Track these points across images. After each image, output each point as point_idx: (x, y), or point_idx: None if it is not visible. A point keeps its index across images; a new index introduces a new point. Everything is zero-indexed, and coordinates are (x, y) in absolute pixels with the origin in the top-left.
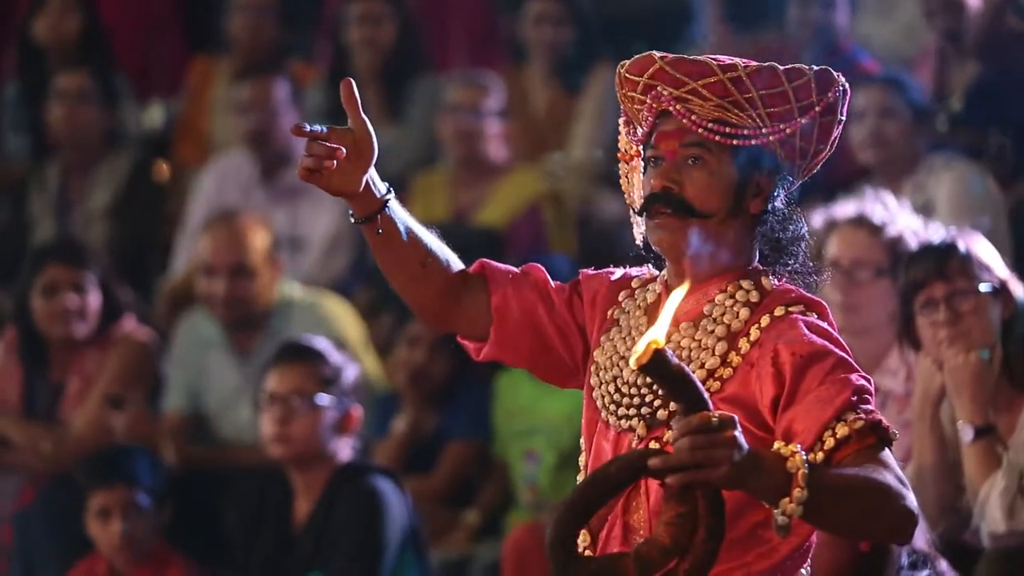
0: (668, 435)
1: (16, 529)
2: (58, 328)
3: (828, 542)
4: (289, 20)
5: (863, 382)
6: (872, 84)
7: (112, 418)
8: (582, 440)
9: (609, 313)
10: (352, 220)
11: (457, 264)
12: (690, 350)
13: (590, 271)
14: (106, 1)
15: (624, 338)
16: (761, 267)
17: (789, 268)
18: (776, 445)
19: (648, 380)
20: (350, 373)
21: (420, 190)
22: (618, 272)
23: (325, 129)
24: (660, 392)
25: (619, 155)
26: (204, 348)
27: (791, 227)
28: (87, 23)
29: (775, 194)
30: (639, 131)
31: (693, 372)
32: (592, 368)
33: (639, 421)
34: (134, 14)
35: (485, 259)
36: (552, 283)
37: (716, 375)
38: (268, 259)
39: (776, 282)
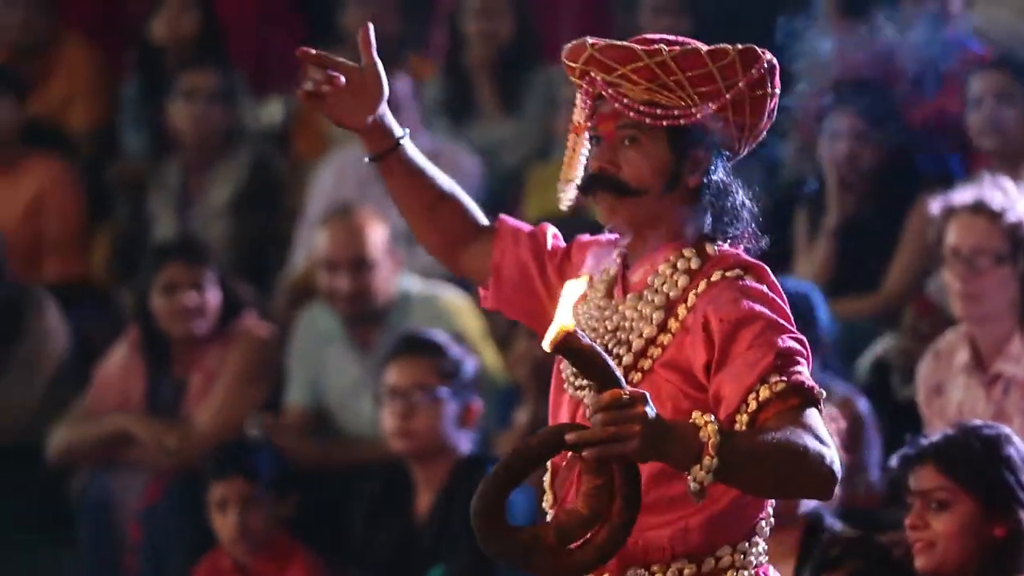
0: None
1: (143, 525)
2: (178, 326)
3: (957, 532)
4: (404, 12)
5: (791, 343)
6: (987, 70)
7: (250, 429)
8: (548, 405)
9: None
10: (366, 159)
11: (477, 216)
12: (631, 320)
13: (586, 237)
14: None
15: (585, 310)
16: (709, 236)
17: (731, 236)
18: (693, 415)
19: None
20: (470, 366)
21: (536, 184)
22: (604, 238)
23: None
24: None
25: (571, 127)
26: (324, 342)
27: (730, 198)
28: (205, 21)
29: (712, 168)
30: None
31: (633, 341)
32: None
33: (587, 390)
34: (250, 10)
35: (505, 215)
36: (552, 246)
37: (656, 342)
38: (387, 253)
39: (719, 249)
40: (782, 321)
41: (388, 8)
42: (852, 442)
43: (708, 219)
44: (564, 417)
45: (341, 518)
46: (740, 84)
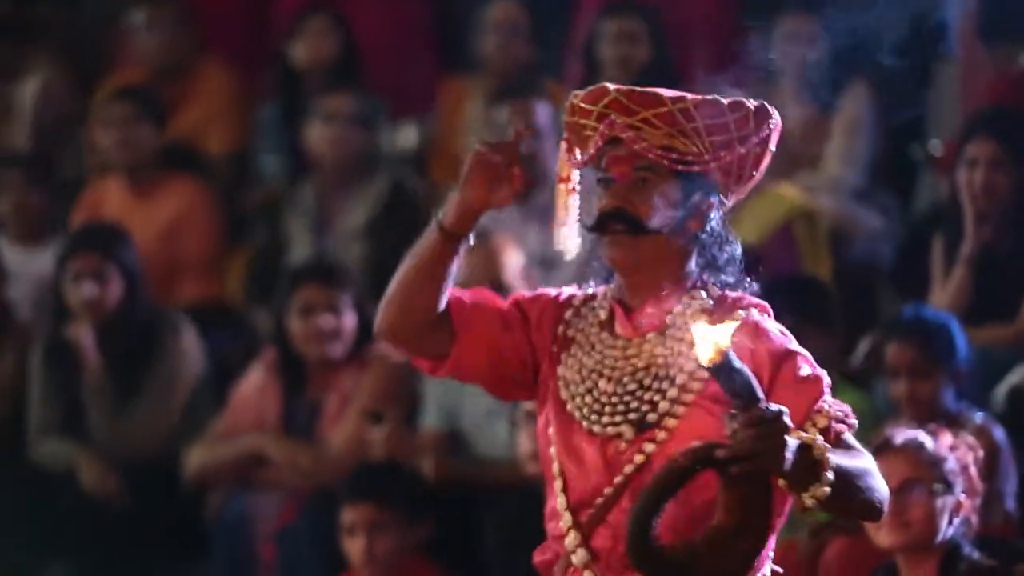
0: (727, 428)
1: (278, 546)
2: (314, 349)
3: None
4: (539, 39)
5: (827, 377)
6: None
7: (370, 434)
8: (552, 450)
9: (559, 332)
10: (442, 226)
11: None
12: (665, 357)
13: (525, 293)
14: (361, 23)
15: (588, 352)
16: (704, 281)
17: (726, 282)
18: (799, 434)
19: (631, 388)
20: None
21: None
22: (552, 292)
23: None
24: (645, 398)
25: (558, 177)
26: None
27: (727, 247)
28: (344, 45)
29: (711, 216)
30: (581, 155)
31: (676, 376)
32: (559, 384)
33: (627, 426)
34: (387, 35)
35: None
36: (500, 304)
37: (696, 376)
38: (522, 278)
39: (720, 292)
40: (810, 355)
41: (523, 35)
42: (988, 471)
43: (698, 265)
44: (593, 453)
45: (475, 540)
46: (752, 138)
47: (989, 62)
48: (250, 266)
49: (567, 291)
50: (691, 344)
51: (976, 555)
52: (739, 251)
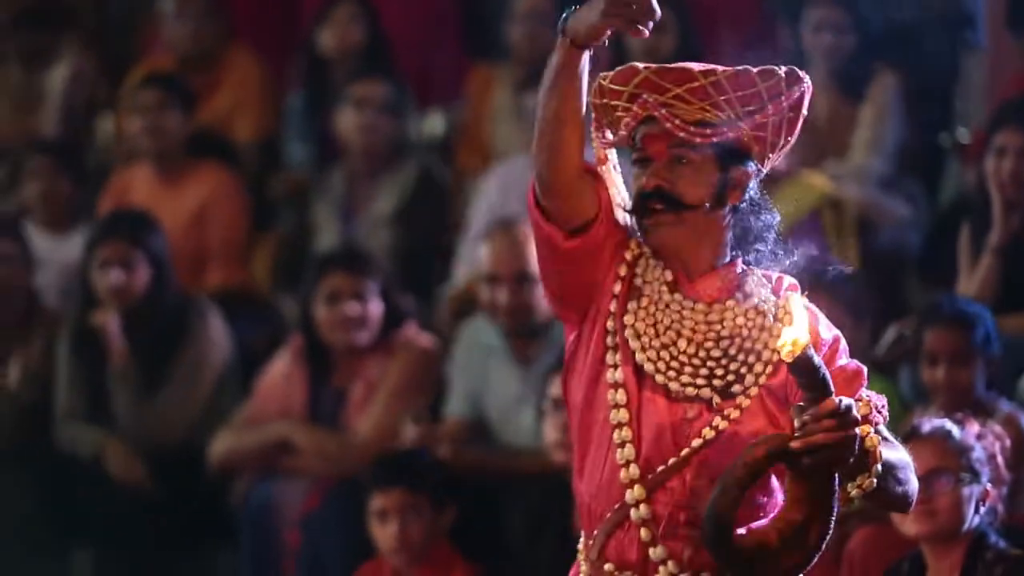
0: (795, 419)
1: (303, 533)
2: (340, 336)
3: None
4: None
5: (863, 367)
6: None
7: (405, 430)
8: (617, 395)
9: (623, 273)
10: (568, 37)
11: None
12: (750, 330)
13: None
14: (387, 11)
15: (663, 309)
16: (739, 254)
17: (761, 253)
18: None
19: (715, 355)
20: None
21: None
22: (618, 222)
23: None
24: (731, 368)
25: (596, 160)
26: (486, 355)
27: (764, 215)
28: (371, 33)
29: (749, 185)
30: (611, 136)
31: (763, 352)
32: (627, 332)
33: (711, 391)
34: (415, 23)
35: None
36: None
37: (772, 360)
38: None
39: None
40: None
41: (550, 23)
42: (1016, 460)
43: (735, 234)
44: (662, 410)
45: (501, 529)
46: (784, 104)
47: (1017, 52)
48: (277, 253)
49: (629, 227)
50: (773, 323)
51: (1002, 544)
52: (776, 219)
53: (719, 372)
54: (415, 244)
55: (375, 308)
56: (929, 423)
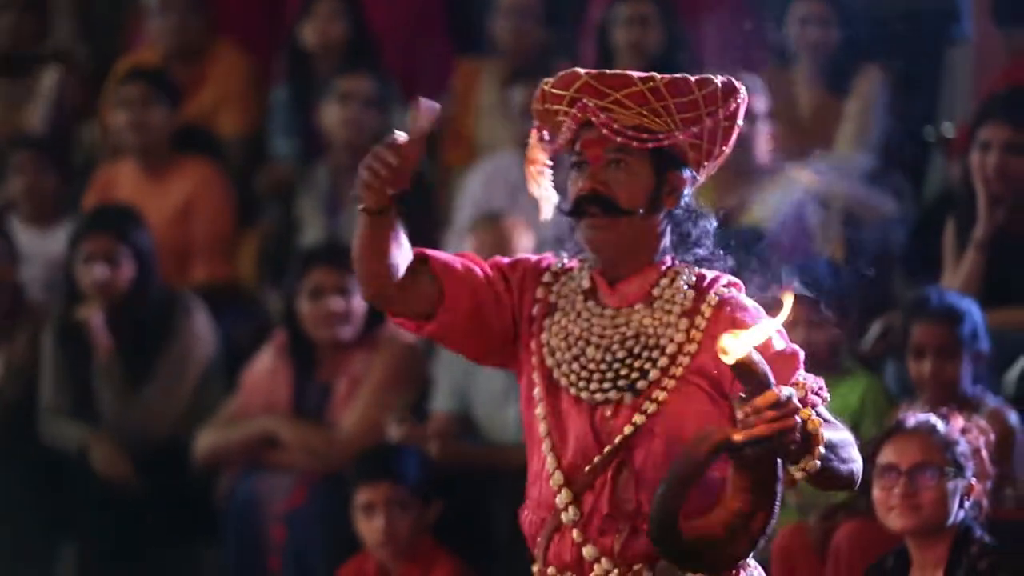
0: (736, 411)
1: (288, 527)
2: (324, 331)
3: None
4: (552, 22)
5: (802, 351)
6: None
7: (390, 431)
8: (538, 412)
9: (540, 295)
10: (362, 208)
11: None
12: (654, 327)
13: (505, 258)
14: (372, 5)
15: (574, 320)
16: (678, 256)
17: (698, 257)
18: None
19: (620, 356)
20: None
21: None
22: (532, 257)
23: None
24: (635, 366)
25: (527, 161)
26: None
27: (700, 221)
28: (354, 28)
29: (684, 192)
30: (553, 139)
31: (667, 346)
32: (544, 350)
33: (616, 392)
34: (400, 18)
35: (422, 248)
36: (483, 266)
37: (684, 350)
38: None
39: (696, 268)
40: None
41: (536, 18)
42: (1001, 454)
43: (672, 239)
44: (581, 419)
45: (486, 523)
46: (720, 113)
47: (1002, 45)
48: (262, 248)
49: (546, 256)
50: (678, 316)
51: (987, 538)
52: (712, 225)
53: (623, 372)
54: None
55: (359, 303)
56: (914, 417)
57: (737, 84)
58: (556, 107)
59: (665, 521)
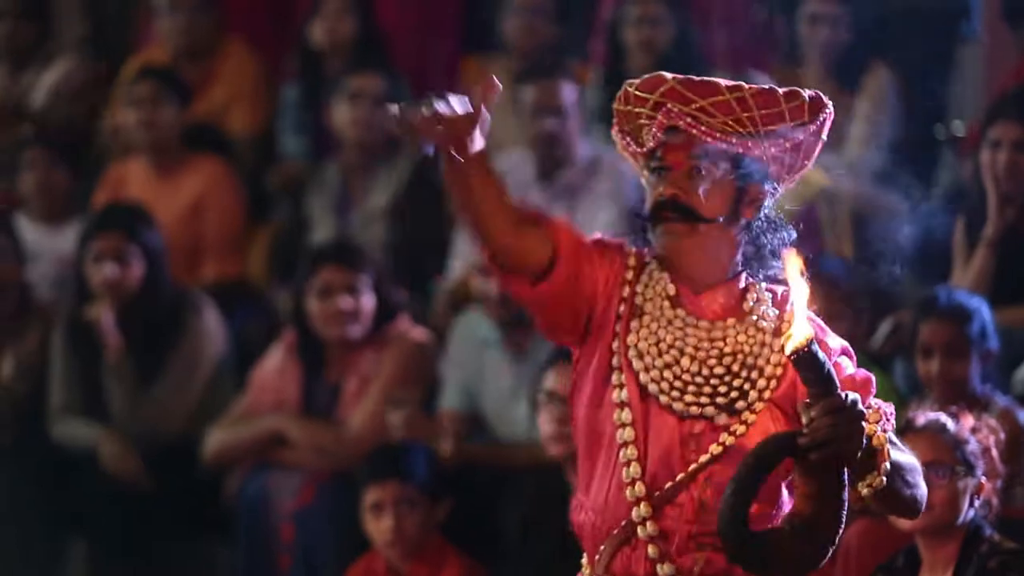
0: (803, 416)
1: (297, 526)
2: (333, 330)
3: None
4: (563, 20)
5: (872, 376)
6: None
7: (390, 416)
8: (621, 415)
9: (626, 293)
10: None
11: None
12: (752, 347)
13: (598, 238)
14: (384, 4)
15: (665, 327)
16: (753, 270)
17: (775, 270)
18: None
19: (718, 372)
20: None
21: None
22: (613, 241)
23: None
24: (734, 384)
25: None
26: (480, 347)
27: (779, 233)
28: (363, 26)
29: (764, 204)
30: (638, 144)
31: (766, 368)
32: (630, 352)
33: (715, 409)
34: (411, 16)
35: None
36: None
37: (776, 374)
38: None
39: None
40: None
41: (546, 16)
42: (1011, 454)
43: (746, 251)
44: (669, 431)
45: (495, 522)
46: (808, 128)
47: (1013, 44)
48: (273, 246)
49: (620, 240)
50: (774, 337)
51: (997, 537)
52: (791, 238)
53: (722, 390)
54: (411, 238)
55: (368, 302)
56: (924, 416)
57: (825, 99)
58: (639, 109)
59: (733, 521)
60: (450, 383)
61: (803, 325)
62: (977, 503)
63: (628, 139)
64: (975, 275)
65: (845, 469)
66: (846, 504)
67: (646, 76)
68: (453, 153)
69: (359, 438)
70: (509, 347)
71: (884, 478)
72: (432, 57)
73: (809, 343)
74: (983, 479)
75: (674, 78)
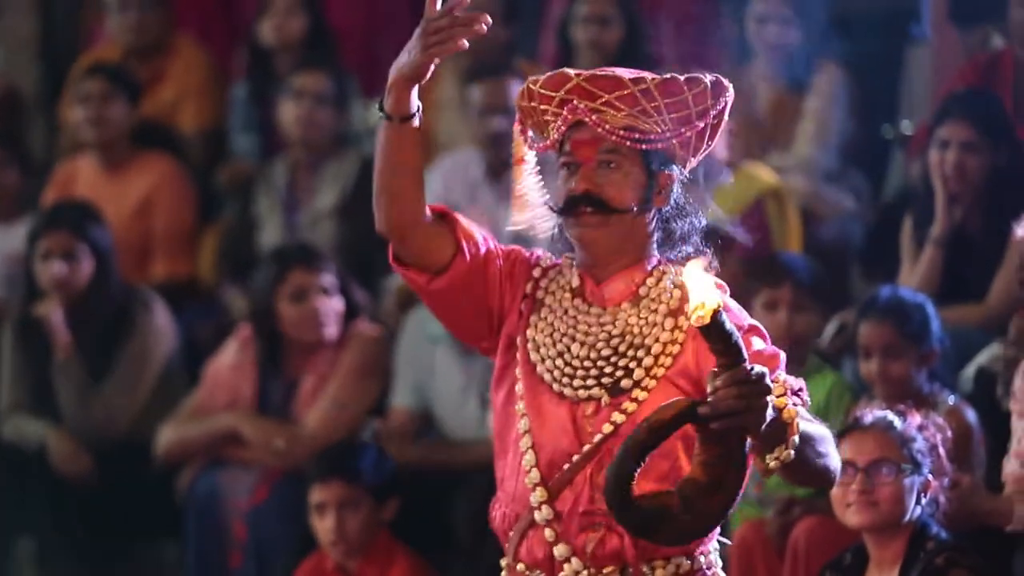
0: (708, 384)
1: (250, 524)
2: (309, 332)
3: None
4: (512, 19)
5: (781, 352)
6: None
7: (362, 431)
8: (518, 407)
9: (529, 290)
10: (383, 112)
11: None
12: (640, 327)
13: (502, 245)
14: (333, 1)
15: (561, 317)
16: (665, 254)
17: (684, 254)
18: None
19: (605, 354)
20: None
21: None
22: (523, 250)
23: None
24: (620, 364)
25: (514, 160)
26: (430, 346)
27: (688, 218)
28: (312, 24)
29: (674, 188)
30: (538, 138)
31: (652, 345)
32: (528, 345)
33: (601, 390)
34: (361, 14)
35: (441, 204)
36: (488, 239)
37: (667, 350)
38: None
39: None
40: (765, 331)
41: (496, 15)
42: (959, 452)
43: (658, 237)
44: (563, 415)
45: (446, 520)
46: (711, 112)
47: (961, 45)
48: (221, 244)
49: (536, 251)
50: (663, 315)
51: (943, 534)
52: (700, 222)
53: (607, 370)
54: (359, 236)
55: (338, 303)
56: (871, 414)
57: (726, 82)
58: (544, 106)
59: (618, 486)
60: (401, 381)
61: (711, 294)
62: (924, 501)
63: (532, 134)
64: (923, 274)
65: (744, 441)
66: (744, 475)
67: (550, 74)
68: (398, 103)
69: (314, 436)
70: (459, 345)
71: (792, 451)
72: (383, 55)
73: (717, 311)
74: (930, 477)
75: (578, 75)
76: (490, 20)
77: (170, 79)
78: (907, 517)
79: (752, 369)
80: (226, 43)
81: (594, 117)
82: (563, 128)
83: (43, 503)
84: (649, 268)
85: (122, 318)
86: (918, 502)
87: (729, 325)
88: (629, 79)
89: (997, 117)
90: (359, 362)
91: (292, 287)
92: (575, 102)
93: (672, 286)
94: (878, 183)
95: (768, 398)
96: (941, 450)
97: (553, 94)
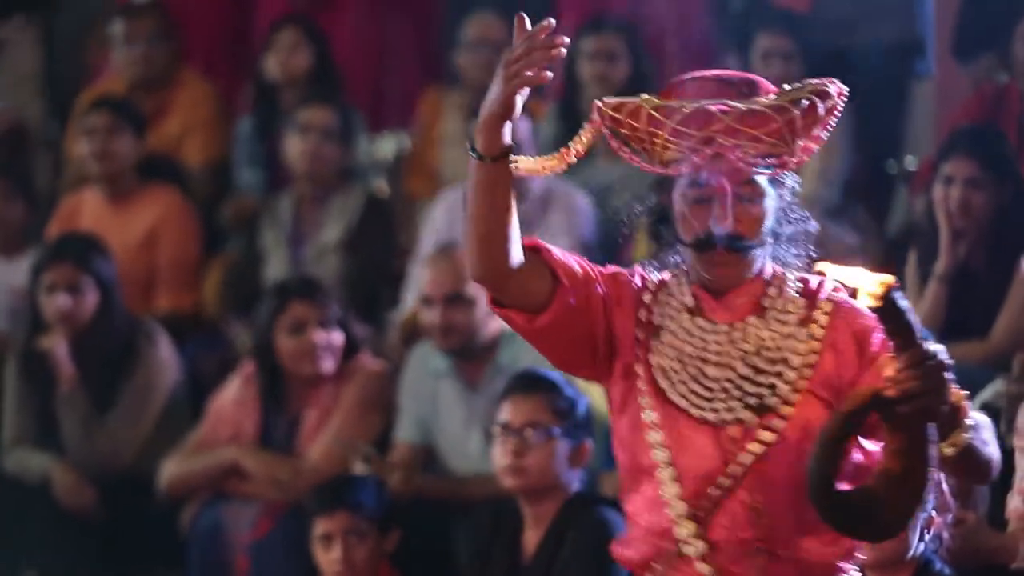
0: (888, 369)
1: (253, 558)
2: (306, 365)
3: None
4: None
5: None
6: None
7: (355, 466)
8: (653, 437)
9: (642, 316)
10: (475, 153)
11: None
12: (775, 340)
13: (601, 268)
14: (340, 35)
15: (684, 339)
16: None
17: (796, 256)
18: None
19: (744, 373)
20: (582, 405)
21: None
22: (625, 271)
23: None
24: (763, 382)
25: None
26: (433, 380)
27: (797, 222)
28: (317, 58)
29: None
30: (652, 161)
31: (792, 359)
32: (655, 373)
33: (748, 411)
34: (366, 49)
35: (532, 238)
36: (588, 266)
37: (807, 362)
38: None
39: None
40: None
41: (501, 50)
42: (963, 488)
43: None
44: (705, 442)
45: (447, 553)
46: (828, 123)
47: (965, 80)
48: (226, 277)
49: (637, 270)
50: (795, 327)
51: (947, 571)
52: (812, 227)
53: (750, 389)
54: (364, 270)
55: (338, 336)
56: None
57: (838, 86)
58: (655, 129)
59: (822, 481)
60: (405, 415)
61: (874, 276)
62: (928, 537)
63: (633, 152)
64: (927, 310)
65: (930, 424)
66: (934, 460)
67: (691, 112)
68: (489, 143)
69: (316, 470)
70: (462, 379)
71: (966, 435)
72: (389, 90)
73: (889, 288)
74: (934, 513)
75: (720, 111)
76: (568, 41)
77: (176, 112)
78: (910, 553)
79: (930, 348)
80: (232, 77)
81: (738, 153)
82: (700, 164)
83: (46, 536)
84: (767, 278)
85: (126, 351)
86: (921, 539)
87: (903, 303)
88: (779, 116)
89: (1002, 153)
90: (362, 396)
91: (291, 319)
92: (721, 140)
93: (796, 294)
94: (882, 219)
95: (947, 376)
96: (945, 486)
97: (695, 133)
